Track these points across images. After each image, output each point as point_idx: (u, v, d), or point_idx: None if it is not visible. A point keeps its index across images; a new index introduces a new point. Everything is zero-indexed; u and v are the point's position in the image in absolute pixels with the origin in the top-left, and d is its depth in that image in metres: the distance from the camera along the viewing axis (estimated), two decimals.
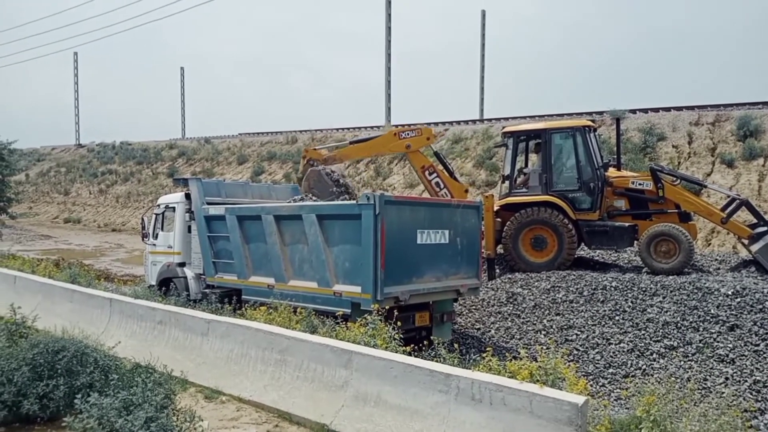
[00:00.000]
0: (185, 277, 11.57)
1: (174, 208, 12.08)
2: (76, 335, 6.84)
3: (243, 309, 9.04)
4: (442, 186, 12.24)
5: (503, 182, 12.74)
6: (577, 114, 25.45)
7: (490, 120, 31.14)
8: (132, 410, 4.36)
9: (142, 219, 13.27)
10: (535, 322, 10.02)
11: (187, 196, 11.68)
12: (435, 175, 12.35)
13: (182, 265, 11.74)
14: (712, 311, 8.83)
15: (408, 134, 12.42)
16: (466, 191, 12.33)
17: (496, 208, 12.16)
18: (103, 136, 79.66)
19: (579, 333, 9.46)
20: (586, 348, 9.16)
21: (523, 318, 10.19)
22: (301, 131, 39.21)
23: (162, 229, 12.40)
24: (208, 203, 11.11)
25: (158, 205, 12.71)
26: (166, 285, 11.89)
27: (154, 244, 12.54)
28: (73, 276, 11.97)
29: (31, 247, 26.95)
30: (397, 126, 33.30)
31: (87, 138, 58.55)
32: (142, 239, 13.14)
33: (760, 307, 8.60)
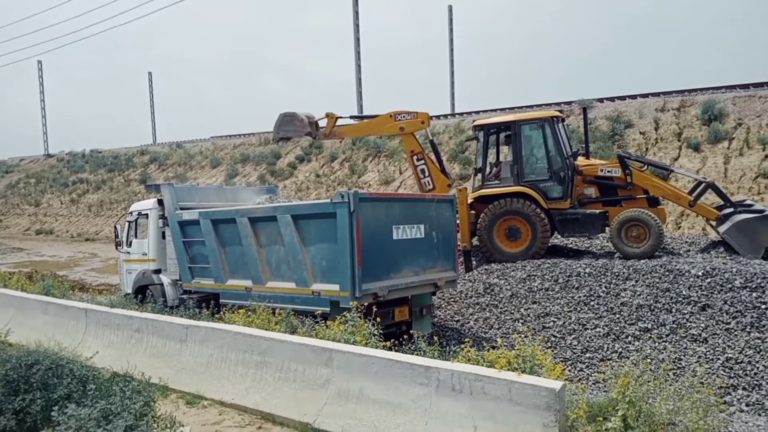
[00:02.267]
0: (161, 284, 11.46)
1: (147, 214, 11.95)
2: (52, 347, 6.77)
3: (221, 313, 9.00)
4: (426, 174, 12.34)
5: (476, 175, 12.85)
6: (546, 105, 25.76)
7: (461, 114, 31.35)
8: (111, 419, 4.33)
9: (115, 227, 13.11)
10: (512, 311, 10.15)
11: (160, 202, 11.56)
12: (422, 162, 12.48)
13: (158, 271, 11.63)
14: (684, 292, 9.03)
15: (404, 117, 12.54)
16: (449, 185, 12.45)
17: (470, 201, 12.26)
18: (73, 145, 78.40)
19: (556, 320, 9.60)
20: (563, 334, 9.31)
21: (501, 308, 10.31)
22: None
23: (136, 236, 12.26)
24: (182, 208, 11.01)
25: (131, 213, 12.56)
26: (143, 293, 11.76)
27: (129, 252, 12.39)
28: (46, 288, 11.80)
29: (2, 261, 26.43)
30: None
31: (56, 147, 57.53)
32: (116, 248, 12.98)
33: (730, 286, 8.82)
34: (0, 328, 7.72)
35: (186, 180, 35.11)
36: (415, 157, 12.56)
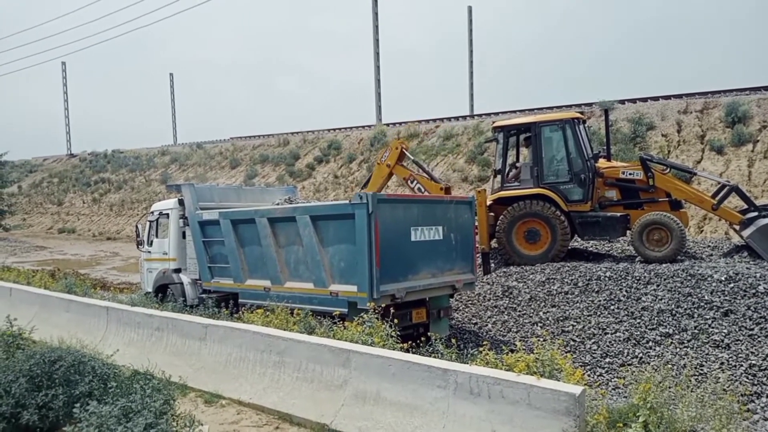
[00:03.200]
0: (181, 283, 11.57)
1: (168, 214, 12.08)
2: (74, 345, 6.85)
3: (240, 313, 9.06)
4: (423, 191, 12.79)
5: (495, 177, 12.80)
6: (567, 106, 25.56)
7: (480, 115, 31.21)
8: (131, 417, 4.37)
9: (137, 226, 13.27)
10: (531, 314, 10.07)
11: (181, 202, 11.67)
12: (416, 182, 13.04)
13: (178, 271, 11.74)
14: (706, 297, 8.90)
15: (385, 156, 13.30)
16: (442, 189, 12.51)
17: (489, 203, 12.21)
18: (95, 145, 79.51)
19: (575, 324, 9.52)
20: (583, 338, 9.22)
21: (519, 311, 10.24)
22: (292, 133, 39.21)
23: (156, 235, 12.40)
24: (202, 208, 11.11)
25: (152, 212, 12.71)
26: (163, 291, 11.89)
27: (149, 251, 12.54)
28: (69, 286, 11.96)
29: (26, 259, 26.87)
30: (387, 125, 33.40)
31: (78, 148, 58.46)
32: (137, 247, 13.13)
33: (753, 291, 8.67)
34: (24, 324, 7.85)
35: (206, 180, 35.43)
36: (409, 181, 13.18)
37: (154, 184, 40.98)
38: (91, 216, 41.72)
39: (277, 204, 10.87)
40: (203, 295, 10.90)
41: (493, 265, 11.99)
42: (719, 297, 8.81)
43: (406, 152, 13.28)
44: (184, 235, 11.66)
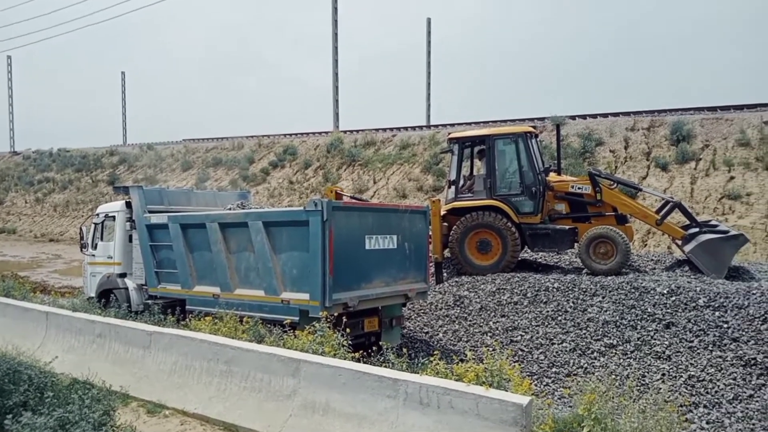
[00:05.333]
0: (126, 288, 11.22)
1: (114, 217, 11.71)
2: (9, 352, 6.54)
3: (187, 320, 8.83)
4: None
5: (449, 187, 12.92)
6: (520, 120, 26.09)
7: (436, 126, 31.54)
8: (68, 429, 4.19)
9: (81, 229, 12.81)
10: (481, 324, 10.18)
11: (128, 205, 11.34)
12: None
13: (123, 275, 11.38)
14: (649, 310, 9.18)
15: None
16: None
17: (443, 213, 12.31)
18: (40, 143, 76.54)
19: (523, 334, 9.67)
20: (531, 348, 9.37)
21: (470, 320, 10.34)
22: (247, 137, 38.71)
23: (101, 239, 12.00)
24: (151, 211, 10.81)
25: (97, 215, 12.29)
26: (106, 297, 11.50)
27: (94, 255, 12.12)
28: (6, 289, 11.45)
29: None
30: (344, 132, 33.36)
31: (22, 145, 56.25)
32: (81, 250, 12.68)
33: (694, 305, 8.99)
34: None
35: (156, 182, 34.55)
36: None
37: (101, 185, 39.73)
38: (34, 216, 40.11)
39: (230, 209, 10.68)
40: (149, 301, 10.58)
41: (445, 274, 12.08)
42: (661, 310, 9.11)
43: (341, 193, 13.23)
44: (130, 239, 11.33)
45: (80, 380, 5.44)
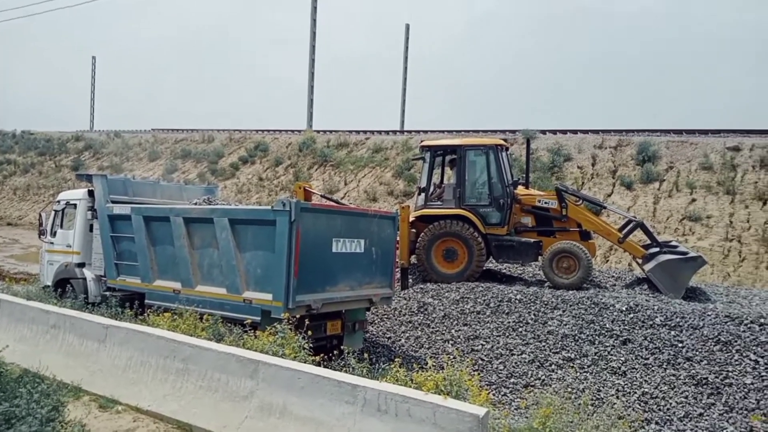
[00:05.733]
0: (84, 279, 10.95)
1: (75, 205, 11.42)
2: None
3: (146, 314, 8.65)
4: None
5: (419, 194, 12.97)
6: (492, 131, 26.36)
7: (410, 132, 31.63)
8: (14, 424, 4.06)
9: (40, 215, 12.46)
10: (443, 331, 10.23)
11: (91, 193, 11.08)
12: None
13: (81, 265, 11.11)
14: (607, 326, 9.35)
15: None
16: None
17: (411, 219, 12.35)
18: (2, 124, 74.37)
19: (484, 343, 9.74)
20: (491, 358, 9.44)
21: (433, 327, 10.38)
22: (219, 130, 38.23)
23: (61, 226, 11.69)
24: (114, 201, 10.58)
25: (58, 201, 11.98)
26: (63, 286, 11.21)
27: (52, 242, 11.80)
28: None
29: None
30: (317, 132, 33.22)
31: None
32: (39, 236, 12.33)
33: (651, 323, 9.19)
34: None
35: (121, 171, 33.83)
36: None
37: (65, 171, 38.72)
38: None
39: (195, 203, 10.52)
40: (107, 293, 10.35)
41: (410, 280, 12.11)
42: (619, 326, 9.28)
43: (310, 190, 13.23)
44: (91, 228, 11.06)
45: (30, 372, 5.26)
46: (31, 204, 35.84)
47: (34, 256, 19.09)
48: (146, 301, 9.57)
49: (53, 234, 11.81)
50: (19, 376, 5.28)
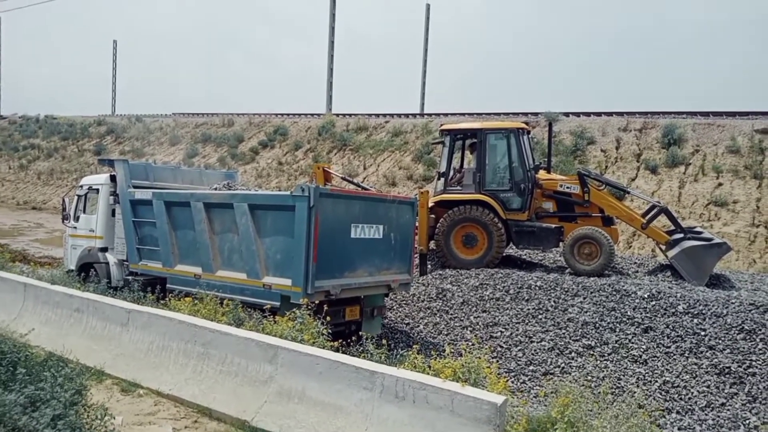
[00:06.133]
0: (107, 263, 11.11)
1: (98, 189, 11.56)
2: None
3: (167, 299, 8.76)
4: None
5: (439, 179, 12.88)
6: (514, 114, 26.06)
7: (430, 115, 31.41)
8: (38, 407, 4.13)
9: (63, 200, 12.64)
10: (462, 318, 10.20)
11: (113, 178, 11.19)
12: None
13: (104, 250, 11.26)
14: (629, 313, 9.24)
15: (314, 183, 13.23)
16: None
17: (430, 205, 12.27)
18: (27, 109, 75.42)
19: (503, 330, 9.70)
20: (510, 345, 9.40)
21: (451, 314, 10.35)
22: (238, 114, 38.38)
23: (84, 211, 11.85)
24: (135, 186, 10.68)
25: (81, 186, 12.13)
26: (86, 270, 11.38)
27: (75, 227, 11.97)
28: None
29: None
30: (336, 115, 33.15)
31: (9, 109, 55.32)
32: (63, 221, 12.52)
33: (673, 310, 9.06)
34: None
35: (143, 155, 34.21)
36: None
37: (87, 155, 39.25)
38: (17, 183, 39.60)
39: (215, 189, 10.58)
40: (129, 277, 10.49)
41: (429, 266, 12.08)
42: (641, 314, 9.17)
43: (329, 171, 13.22)
44: (113, 213, 11.19)
45: (55, 355, 5.35)
46: (55, 188, 36.44)
47: (58, 240, 19.43)
48: (168, 285, 9.69)
49: (76, 219, 11.98)
50: (44, 359, 5.36)
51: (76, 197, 12.17)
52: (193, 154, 33.94)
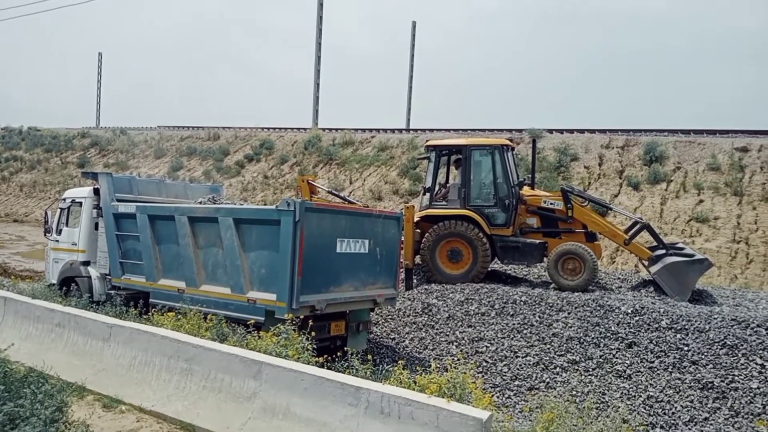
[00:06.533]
0: (89, 277, 10.98)
1: (81, 203, 11.46)
2: None
3: (150, 314, 8.67)
4: None
5: (424, 194, 12.93)
6: (499, 131, 26.29)
7: (416, 130, 31.59)
8: (18, 424, 4.06)
9: (46, 212, 12.50)
10: (448, 333, 10.20)
11: (96, 191, 11.10)
12: None
13: (86, 264, 11.14)
14: (613, 328, 9.30)
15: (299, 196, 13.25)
16: None
17: (416, 219, 12.31)
18: (9, 120, 74.67)
19: (489, 345, 9.71)
20: (495, 360, 9.41)
21: (437, 329, 10.35)
22: (224, 128, 38.28)
23: (67, 224, 11.73)
24: (119, 200, 10.60)
25: (64, 199, 12.02)
26: (68, 285, 11.24)
27: (57, 240, 11.84)
28: None
29: None
30: (323, 130, 33.22)
31: None
32: (45, 234, 12.38)
33: (656, 326, 9.14)
34: None
35: (127, 168, 33.97)
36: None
37: (71, 167, 38.85)
38: None
39: (200, 203, 10.53)
40: (112, 292, 10.37)
41: (415, 281, 12.09)
42: (624, 329, 9.23)
43: (314, 184, 13.26)
44: (96, 227, 11.09)
45: (35, 371, 5.26)
46: (37, 201, 36.01)
47: (40, 254, 19.17)
48: (151, 300, 9.59)
49: (59, 232, 11.85)
50: (24, 375, 5.27)
51: (58, 210, 12.05)
52: (178, 168, 33.76)
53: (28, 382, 4.84)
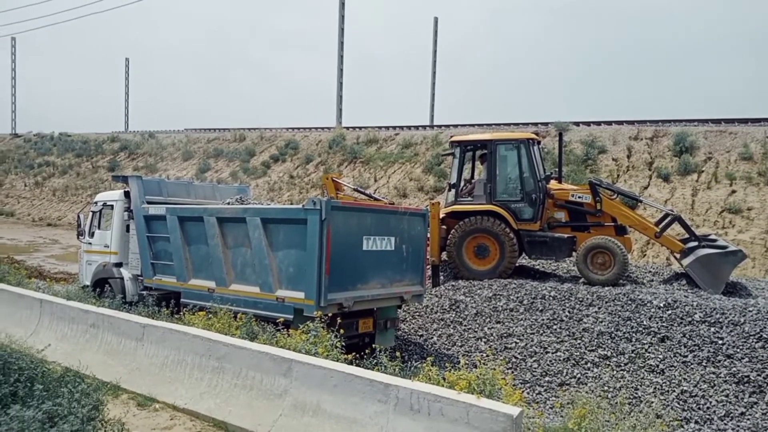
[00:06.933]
0: (121, 278, 11.20)
1: (112, 206, 11.69)
2: (2, 340, 6.52)
3: (181, 313, 8.80)
4: None
5: (449, 190, 12.88)
6: (524, 124, 26.05)
7: (440, 126, 31.49)
8: (56, 422, 4.16)
9: (78, 216, 12.78)
10: (476, 329, 10.16)
11: (127, 194, 11.31)
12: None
13: (119, 265, 11.37)
14: (645, 322, 9.16)
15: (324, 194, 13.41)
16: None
17: (441, 216, 12.28)
18: (42, 127, 76.53)
19: (518, 341, 9.64)
20: (525, 356, 9.34)
21: (465, 325, 10.32)
22: (249, 129, 38.66)
23: (99, 227, 11.98)
24: (149, 202, 10.79)
25: (96, 203, 12.28)
26: (101, 286, 11.48)
27: (90, 243, 12.10)
28: (1, 274, 11.43)
29: None
30: (346, 128, 33.32)
31: (24, 128, 56.19)
32: (78, 237, 12.65)
33: (689, 319, 8.97)
34: None
35: (156, 171, 34.55)
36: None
37: (101, 171, 39.69)
38: (32, 200, 40.07)
39: (228, 203, 10.65)
40: (144, 292, 10.57)
41: (442, 277, 12.06)
42: (657, 323, 9.09)
43: (339, 181, 13.28)
44: (128, 229, 11.29)
45: (71, 371, 5.40)
46: (70, 204, 36.85)
47: (73, 256, 19.61)
48: (182, 299, 9.74)
49: (91, 234, 12.11)
50: (61, 375, 5.40)
51: (90, 213, 12.31)
52: (206, 169, 34.22)
53: (65, 382, 4.95)
